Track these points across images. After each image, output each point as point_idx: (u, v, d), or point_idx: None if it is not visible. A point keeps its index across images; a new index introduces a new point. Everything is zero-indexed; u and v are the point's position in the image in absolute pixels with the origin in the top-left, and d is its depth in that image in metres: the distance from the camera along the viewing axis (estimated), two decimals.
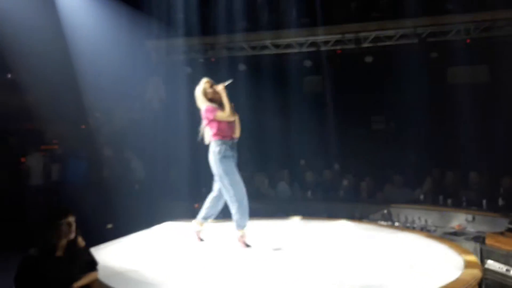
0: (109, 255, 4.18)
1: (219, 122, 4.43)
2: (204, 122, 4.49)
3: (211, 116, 4.42)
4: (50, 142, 8.99)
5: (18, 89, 8.48)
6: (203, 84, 4.55)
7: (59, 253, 3.19)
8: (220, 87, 4.47)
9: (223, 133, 4.44)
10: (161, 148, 8.66)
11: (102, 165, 8.07)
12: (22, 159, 8.22)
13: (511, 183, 6.72)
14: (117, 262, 3.96)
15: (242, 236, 4.45)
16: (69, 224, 3.19)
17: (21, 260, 3.17)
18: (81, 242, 3.32)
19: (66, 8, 8.07)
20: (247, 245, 4.41)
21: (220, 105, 4.47)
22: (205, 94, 4.51)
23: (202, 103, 4.50)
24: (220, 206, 4.70)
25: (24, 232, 6.24)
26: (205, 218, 4.74)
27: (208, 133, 4.50)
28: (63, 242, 3.19)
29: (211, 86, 4.52)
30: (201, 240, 4.71)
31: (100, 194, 7.30)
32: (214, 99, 4.49)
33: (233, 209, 4.43)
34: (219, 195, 4.63)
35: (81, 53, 8.08)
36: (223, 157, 4.40)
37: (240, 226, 4.45)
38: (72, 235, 3.21)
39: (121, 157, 8.26)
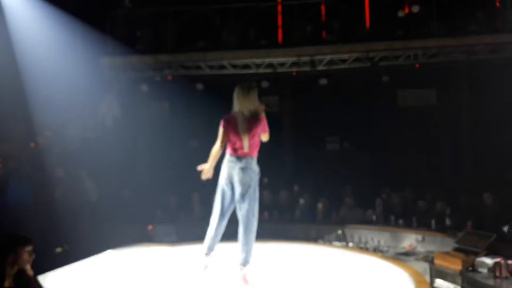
0: (58, 282, 4.01)
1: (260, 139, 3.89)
2: (257, 132, 3.79)
3: (265, 130, 3.81)
4: (3, 161, 8.56)
5: None
6: (257, 89, 3.92)
7: (7, 284, 3.01)
8: (263, 107, 3.87)
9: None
10: (115, 168, 8.44)
11: (51, 186, 7.74)
12: None
13: (458, 203, 7.04)
14: None
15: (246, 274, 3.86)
16: (30, 253, 3.04)
17: None
18: (29, 271, 3.16)
19: (16, 23, 7.79)
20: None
21: None
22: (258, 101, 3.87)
23: (255, 108, 3.80)
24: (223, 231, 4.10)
25: None
26: (213, 249, 4.12)
27: (254, 146, 3.81)
28: (14, 271, 3.02)
29: None
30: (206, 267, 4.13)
31: (49, 216, 6.99)
32: None
33: (248, 241, 3.85)
34: (224, 220, 4.01)
35: (31, 69, 7.80)
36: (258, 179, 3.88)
37: (248, 262, 3.88)
38: (29, 265, 3.05)
39: (73, 177, 7.97)
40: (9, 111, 7.91)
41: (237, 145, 3.82)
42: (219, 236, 4.08)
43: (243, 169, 3.79)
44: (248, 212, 3.84)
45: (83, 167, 8.13)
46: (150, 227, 7.41)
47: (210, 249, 4.10)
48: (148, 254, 5.32)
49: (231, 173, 3.85)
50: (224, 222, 4.03)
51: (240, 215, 3.89)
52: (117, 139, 8.75)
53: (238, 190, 3.84)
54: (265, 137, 3.88)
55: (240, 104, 3.81)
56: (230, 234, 4.19)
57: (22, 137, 8.36)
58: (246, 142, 3.76)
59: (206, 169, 3.94)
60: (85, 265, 4.77)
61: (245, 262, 3.86)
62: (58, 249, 6.77)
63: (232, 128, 3.81)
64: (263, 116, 3.83)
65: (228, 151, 3.91)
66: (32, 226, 6.54)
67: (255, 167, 3.85)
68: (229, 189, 3.91)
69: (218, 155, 3.93)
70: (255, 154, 3.85)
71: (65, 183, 7.80)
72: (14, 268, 3.01)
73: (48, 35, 8.02)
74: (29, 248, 3.04)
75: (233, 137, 3.82)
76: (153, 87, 9.44)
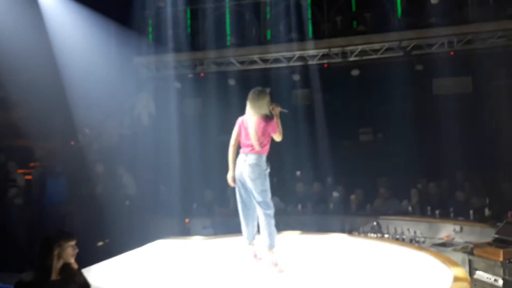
0: (101, 276, 4.18)
1: (270, 139, 4.27)
2: (263, 131, 4.19)
3: (273, 132, 4.22)
4: (39, 159, 8.95)
5: (6, 106, 8.45)
6: (268, 94, 4.27)
7: (54, 276, 3.18)
8: (278, 109, 4.26)
9: (268, 150, 4.29)
10: (151, 163, 8.67)
11: (91, 182, 8.04)
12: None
13: (498, 192, 6.86)
14: (110, 283, 3.95)
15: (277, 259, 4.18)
16: (74, 247, 3.21)
17: (15, 284, 3.16)
18: (74, 264, 3.32)
19: (55, 26, 8.10)
20: (282, 270, 4.11)
21: None
22: (269, 105, 4.25)
23: (264, 112, 4.20)
24: (255, 220, 4.42)
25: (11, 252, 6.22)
26: (253, 237, 4.49)
27: (258, 143, 4.19)
28: (60, 264, 3.19)
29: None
30: (260, 259, 4.44)
31: (91, 212, 7.28)
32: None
33: (267, 227, 4.20)
34: (249, 209, 4.38)
35: (70, 70, 8.11)
36: (268, 173, 4.26)
37: (272, 245, 4.20)
38: (73, 258, 3.22)
39: (112, 173, 8.25)
40: (50, 110, 8.25)
41: (247, 144, 4.25)
42: (252, 225, 4.42)
43: (251, 166, 4.19)
44: (259, 203, 4.22)
45: (121, 163, 8.39)
46: (187, 220, 7.60)
47: (249, 238, 4.44)
48: (186, 247, 5.46)
49: (241, 169, 4.27)
50: (250, 211, 4.38)
51: (256, 205, 4.28)
52: (153, 135, 8.98)
53: (248, 184, 4.25)
54: (276, 137, 4.28)
55: (251, 108, 4.23)
56: None
57: (64, 136, 8.70)
58: (255, 141, 4.18)
59: (230, 177, 4.37)
60: (126, 258, 4.95)
61: (270, 246, 4.19)
62: (100, 243, 7.04)
63: (244, 128, 4.29)
64: (271, 118, 4.21)
65: (241, 149, 4.33)
66: (74, 221, 6.84)
67: (262, 163, 4.22)
68: (241, 184, 4.34)
69: (232, 151, 4.35)
70: (263, 152, 4.23)
71: (104, 179, 8.09)
72: (60, 261, 3.17)
73: (84, 36, 8.30)
74: (72, 242, 3.20)
75: (244, 137, 4.29)
76: (186, 84, 9.62)
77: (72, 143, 9.12)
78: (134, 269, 4.50)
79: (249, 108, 4.24)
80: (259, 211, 4.26)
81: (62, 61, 8.12)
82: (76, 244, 3.22)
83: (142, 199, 8.12)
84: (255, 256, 4.43)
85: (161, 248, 5.46)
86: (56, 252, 3.15)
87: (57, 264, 3.16)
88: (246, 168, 4.21)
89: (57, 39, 8.15)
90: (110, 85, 8.48)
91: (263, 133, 4.18)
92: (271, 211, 4.24)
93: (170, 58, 9.25)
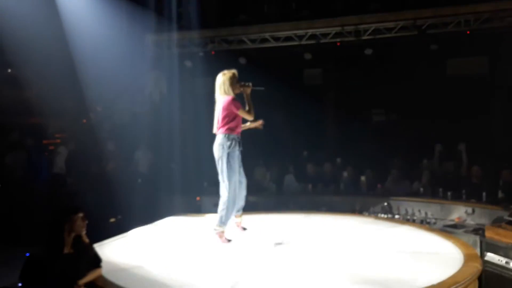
0: (113, 250, 4.24)
1: (237, 117, 4.37)
2: (222, 112, 4.35)
3: (235, 110, 4.32)
4: (52, 137, 9.03)
5: (18, 84, 8.50)
6: (232, 75, 4.41)
7: (66, 249, 3.24)
8: (248, 88, 4.41)
9: (237, 128, 4.40)
10: (163, 142, 8.70)
11: (103, 159, 8.11)
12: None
13: (510, 176, 6.76)
14: (121, 258, 4.02)
15: (223, 232, 4.45)
16: (83, 219, 3.26)
17: (27, 258, 3.22)
18: (85, 238, 3.37)
19: (66, 3, 8.05)
20: (229, 240, 4.41)
21: None
22: (233, 85, 4.38)
23: (227, 93, 4.36)
24: (243, 194, 4.65)
25: (27, 226, 6.32)
26: (238, 210, 4.68)
27: (220, 124, 4.38)
28: (71, 238, 3.25)
29: (237, 81, 4.41)
30: (244, 229, 4.69)
31: (103, 189, 7.35)
32: (236, 94, 4.41)
33: (223, 205, 4.44)
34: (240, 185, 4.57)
35: (81, 48, 8.09)
36: (232, 152, 4.36)
37: (224, 224, 4.44)
38: (84, 230, 3.28)
39: (124, 151, 8.30)
40: (62, 89, 8.28)
41: (214, 124, 4.49)
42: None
43: (215, 146, 4.44)
44: (221, 181, 4.53)
45: (133, 141, 8.44)
46: (198, 198, 7.65)
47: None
48: (196, 223, 5.51)
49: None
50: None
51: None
52: (164, 114, 8.99)
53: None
54: (246, 116, 4.42)
55: (216, 88, 4.47)
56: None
57: (75, 113, 8.75)
58: (217, 121, 4.42)
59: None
60: (137, 234, 5.02)
61: (220, 223, 4.43)
62: (112, 219, 7.14)
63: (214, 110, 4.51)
64: (229, 98, 4.33)
65: None
66: (86, 198, 6.91)
67: (224, 143, 4.36)
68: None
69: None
70: (227, 132, 4.36)
71: (116, 157, 8.14)
72: (71, 235, 3.24)
73: (95, 14, 8.24)
74: (81, 214, 3.27)
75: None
76: (197, 62, 9.56)
77: (84, 121, 9.17)
78: (144, 245, 4.58)
79: (215, 90, 4.47)
80: (220, 188, 4.51)
81: (74, 39, 8.10)
82: (85, 216, 3.27)
83: (154, 177, 8.18)
84: (238, 225, 4.67)
85: (172, 224, 5.52)
86: (67, 227, 3.20)
87: (68, 238, 3.23)
88: (213, 148, 4.44)
89: (68, 17, 8.11)
90: (121, 63, 8.45)
91: (223, 112, 4.32)
92: (226, 194, 4.40)
93: (180, 36, 9.18)
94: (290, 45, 9.01)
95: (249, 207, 6.32)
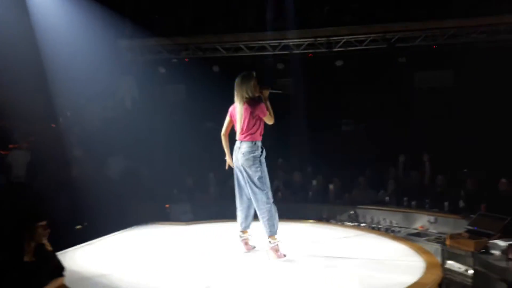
0: (77, 259, 4.18)
1: (262, 122, 4.14)
2: (250, 117, 4.09)
3: (263, 115, 4.10)
4: (19, 141, 8.82)
5: None
6: (254, 78, 4.16)
7: (27, 258, 3.19)
8: (267, 91, 4.20)
9: (261, 134, 4.17)
10: (133, 148, 8.64)
11: (71, 165, 7.97)
12: None
13: (471, 186, 7.01)
14: (85, 267, 3.96)
15: (278, 246, 4.13)
16: (44, 227, 3.20)
17: None
18: (48, 246, 3.32)
19: (36, 6, 7.93)
20: (285, 255, 4.13)
21: None
22: (255, 87, 4.15)
23: (251, 96, 4.11)
24: (251, 208, 4.35)
25: None
26: (247, 227, 4.43)
27: (249, 130, 4.11)
28: (32, 246, 3.19)
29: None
30: (253, 247, 4.43)
31: (69, 195, 7.23)
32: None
33: (266, 214, 4.12)
34: (244, 198, 4.32)
35: (52, 52, 7.96)
36: (262, 159, 4.16)
37: (275, 233, 4.14)
38: (45, 239, 3.23)
39: (93, 156, 8.19)
40: (31, 93, 8.12)
41: (239, 131, 4.19)
42: (247, 213, 4.37)
43: (244, 154, 4.13)
44: (254, 191, 4.15)
45: (103, 147, 8.34)
46: (167, 205, 7.62)
47: (242, 225, 4.40)
48: (164, 232, 5.49)
49: (236, 157, 4.22)
50: (245, 199, 4.33)
51: (251, 194, 4.20)
52: (136, 119, 8.94)
53: (245, 172, 4.18)
54: (268, 120, 4.18)
55: (237, 93, 4.17)
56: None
57: (44, 118, 8.59)
58: (244, 127, 4.12)
59: (227, 161, 4.37)
60: (104, 242, 4.97)
61: (270, 233, 4.12)
62: (78, 226, 7.02)
63: (234, 115, 4.24)
64: (258, 101, 4.10)
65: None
66: (53, 204, 6.78)
67: (255, 150, 4.12)
68: (238, 171, 4.28)
69: (224, 139, 4.35)
70: (255, 138, 4.13)
71: (84, 162, 8.02)
72: (31, 243, 3.17)
73: (67, 17, 8.14)
74: (42, 222, 3.20)
75: (235, 124, 4.24)
76: (170, 69, 9.56)
77: (53, 125, 9.01)
78: (110, 254, 4.51)
79: (236, 94, 4.17)
80: (257, 199, 4.14)
81: (44, 42, 7.97)
82: (48, 225, 3.22)
83: (123, 183, 8.09)
84: (246, 244, 4.41)
85: (140, 232, 5.48)
86: (26, 235, 3.15)
87: (29, 246, 3.17)
88: (240, 157, 4.15)
89: (39, 20, 7.98)
90: (93, 68, 8.37)
91: (252, 117, 4.08)
92: (269, 198, 4.15)
93: (154, 42, 9.16)
94: (264, 55, 9.12)
95: (219, 215, 6.37)
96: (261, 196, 4.13)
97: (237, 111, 4.17)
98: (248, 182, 4.16)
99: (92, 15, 8.29)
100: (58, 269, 3.33)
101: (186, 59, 9.42)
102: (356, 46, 8.76)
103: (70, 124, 8.84)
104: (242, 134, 4.14)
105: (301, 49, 8.96)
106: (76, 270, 3.78)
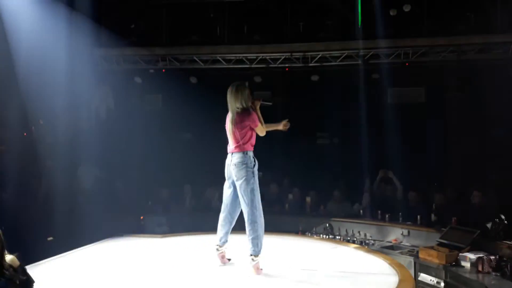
0: (48, 272, 4.08)
1: (254, 132, 4.13)
2: (242, 127, 4.05)
3: (254, 125, 4.09)
4: None
5: None
6: (247, 88, 4.16)
7: None
8: (259, 103, 4.22)
9: (253, 144, 4.14)
10: (107, 159, 8.51)
11: (43, 176, 7.78)
12: None
13: (442, 200, 7.20)
14: (56, 281, 3.86)
15: (259, 263, 4.08)
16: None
17: None
18: (15, 261, 3.18)
19: (9, 12, 7.77)
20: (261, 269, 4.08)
21: None
22: (249, 98, 4.14)
23: (245, 106, 4.09)
24: (233, 224, 4.35)
25: None
26: (226, 242, 4.38)
27: (241, 140, 4.06)
28: None
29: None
30: (228, 260, 4.42)
31: (40, 206, 7.05)
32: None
33: (253, 231, 4.01)
34: (230, 215, 4.27)
35: (25, 58, 7.79)
36: (255, 171, 4.08)
37: (259, 252, 4.07)
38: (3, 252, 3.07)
39: (65, 167, 8.02)
40: (1, 100, 7.91)
41: (229, 142, 4.15)
42: (228, 228, 4.30)
43: (236, 165, 4.05)
44: (245, 205, 4.06)
45: (76, 158, 8.19)
46: (141, 217, 7.52)
47: (221, 240, 4.36)
48: (139, 244, 5.42)
49: (228, 169, 4.16)
50: (230, 214, 4.27)
51: (242, 208, 4.13)
52: (110, 130, 8.81)
53: (237, 184, 4.09)
54: (259, 132, 4.15)
55: (229, 103, 4.14)
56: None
57: (16, 126, 8.37)
58: (236, 138, 4.07)
59: (283, 124, 4.44)
60: (76, 255, 4.86)
61: (253, 252, 4.05)
62: (50, 238, 6.84)
63: (226, 127, 4.20)
64: (250, 111, 4.08)
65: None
66: (24, 216, 6.59)
67: (247, 161, 4.05)
68: (229, 183, 4.21)
69: (265, 126, 4.26)
70: (247, 148, 4.07)
71: (56, 174, 7.84)
72: None
73: (42, 25, 7.99)
74: None
75: (227, 135, 4.15)
76: (147, 79, 9.51)
77: (25, 134, 8.78)
78: (82, 267, 4.42)
79: (228, 104, 4.14)
80: (247, 215, 4.05)
81: (17, 48, 7.79)
82: (3, 235, 3.05)
83: (96, 195, 7.94)
84: (223, 257, 4.37)
85: (114, 244, 5.40)
86: None
87: None
88: (232, 168, 4.07)
89: (12, 26, 7.81)
90: (68, 77, 8.22)
91: (243, 128, 4.04)
92: (258, 215, 4.04)
93: (131, 52, 9.10)
94: (241, 67, 9.18)
95: (197, 227, 6.33)
96: (251, 213, 4.04)
97: (229, 120, 4.13)
98: (241, 195, 4.07)
99: (68, 23, 8.18)
100: (27, 283, 3.19)
101: (163, 70, 9.38)
102: (331, 61, 8.93)
103: (42, 133, 8.63)
104: (234, 145, 4.10)
105: (278, 63, 9.07)
106: (47, 283, 3.68)
